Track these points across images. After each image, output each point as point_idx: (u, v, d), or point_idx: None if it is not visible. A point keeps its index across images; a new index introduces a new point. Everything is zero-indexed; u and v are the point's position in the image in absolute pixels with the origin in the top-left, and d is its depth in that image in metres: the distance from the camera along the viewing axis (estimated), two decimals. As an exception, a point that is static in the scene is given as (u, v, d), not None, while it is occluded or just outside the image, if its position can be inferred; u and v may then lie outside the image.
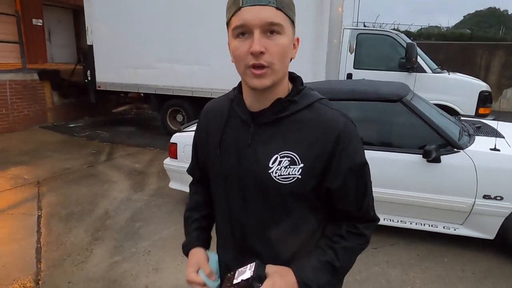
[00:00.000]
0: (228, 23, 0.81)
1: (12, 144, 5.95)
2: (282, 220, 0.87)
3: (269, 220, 0.88)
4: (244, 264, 0.85)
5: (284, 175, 0.83)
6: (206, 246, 1.02)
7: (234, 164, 0.88)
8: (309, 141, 0.82)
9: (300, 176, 0.82)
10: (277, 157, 0.83)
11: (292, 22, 0.81)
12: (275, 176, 0.83)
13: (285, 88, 0.87)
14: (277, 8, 0.75)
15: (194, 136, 1.06)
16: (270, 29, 0.76)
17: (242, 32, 0.77)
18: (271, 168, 0.83)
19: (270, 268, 0.83)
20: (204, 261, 0.95)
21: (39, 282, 2.45)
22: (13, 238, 3.00)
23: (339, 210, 0.90)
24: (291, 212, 0.87)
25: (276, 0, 0.75)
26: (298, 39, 0.85)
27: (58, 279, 2.49)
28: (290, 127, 0.84)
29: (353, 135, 0.84)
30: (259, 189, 0.86)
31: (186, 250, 1.01)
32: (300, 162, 0.82)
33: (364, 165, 0.87)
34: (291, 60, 0.86)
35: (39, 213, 3.47)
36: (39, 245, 2.91)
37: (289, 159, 0.82)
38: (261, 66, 0.77)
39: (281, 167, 0.83)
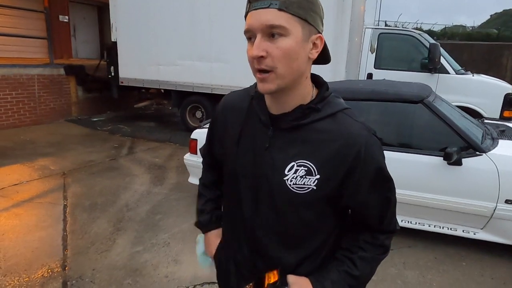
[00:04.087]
0: None
1: (39, 136, 6.20)
2: (292, 227, 0.87)
3: (279, 225, 0.87)
4: (256, 268, 0.90)
5: (299, 184, 0.81)
6: (220, 226, 1.09)
7: (250, 166, 0.88)
8: (328, 153, 0.80)
9: (315, 188, 0.81)
10: (293, 165, 0.81)
11: (306, 20, 0.75)
12: (290, 185, 0.82)
13: (306, 92, 0.83)
14: (280, 9, 0.72)
15: (210, 124, 1.06)
16: (271, 32, 0.73)
17: (249, 36, 0.77)
18: (287, 175, 0.82)
19: (290, 278, 0.84)
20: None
21: (66, 267, 2.58)
22: (41, 225, 3.15)
23: (359, 223, 0.90)
24: (302, 220, 0.86)
25: (279, 1, 0.72)
26: (320, 37, 0.79)
27: (83, 265, 2.61)
28: (310, 136, 0.81)
29: (375, 150, 0.81)
30: (272, 194, 0.85)
31: (204, 228, 1.11)
32: (316, 173, 0.80)
33: (388, 181, 0.85)
34: (317, 62, 0.83)
35: (65, 203, 3.63)
36: (65, 233, 3.05)
37: (305, 168, 0.81)
38: (264, 71, 0.75)
39: (297, 176, 0.81)
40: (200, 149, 1.19)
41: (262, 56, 0.74)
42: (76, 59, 9.68)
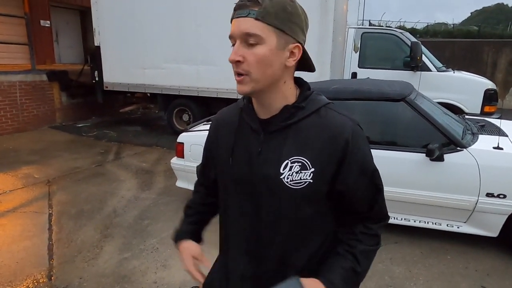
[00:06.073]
0: None
1: (22, 143, 6.07)
2: (296, 225, 0.89)
3: (283, 226, 0.89)
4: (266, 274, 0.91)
5: (295, 180, 0.84)
6: (195, 241, 1.10)
7: (246, 173, 0.90)
8: (318, 146, 0.84)
9: (311, 180, 0.84)
10: (287, 162, 0.85)
11: (282, 31, 0.79)
12: (287, 182, 0.85)
13: (289, 94, 0.88)
14: (256, 19, 0.77)
15: (205, 144, 1.08)
16: (248, 40, 0.79)
17: (233, 42, 0.82)
18: (283, 174, 0.85)
19: (302, 281, 0.84)
20: (200, 255, 1.04)
21: (52, 277, 2.54)
22: (25, 235, 3.09)
23: (351, 212, 0.92)
24: (304, 217, 0.88)
25: (256, 11, 0.77)
26: (298, 47, 0.83)
27: (70, 274, 2.57)
28: (299, 133, 0.86)
29: (361, 139, 0.87)
30: (272, 195, 0.87)
31: (176, 238, 1.11)
32: (311, 167, 0.84)
33: (374, 170, 0.90)
34: (296, 68, 0.87)
35: (50, 211, 3.57)
36: (50, 242, 2.99)
37: (300, 164, 0.84)
38: (240, 74, 0.81)
39: (293, 172, 0.84)
40: (196, 167, 1.22)
41: (239, 61, 0.80)
42: (60, 64, 9.51)
